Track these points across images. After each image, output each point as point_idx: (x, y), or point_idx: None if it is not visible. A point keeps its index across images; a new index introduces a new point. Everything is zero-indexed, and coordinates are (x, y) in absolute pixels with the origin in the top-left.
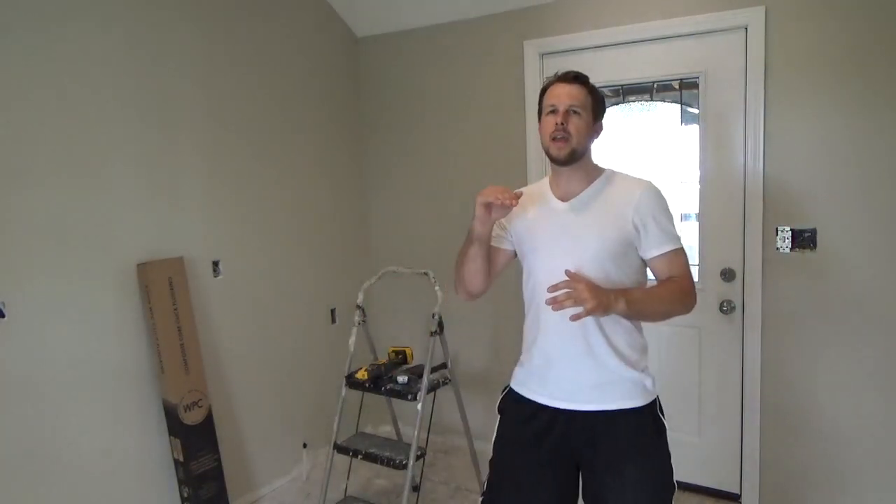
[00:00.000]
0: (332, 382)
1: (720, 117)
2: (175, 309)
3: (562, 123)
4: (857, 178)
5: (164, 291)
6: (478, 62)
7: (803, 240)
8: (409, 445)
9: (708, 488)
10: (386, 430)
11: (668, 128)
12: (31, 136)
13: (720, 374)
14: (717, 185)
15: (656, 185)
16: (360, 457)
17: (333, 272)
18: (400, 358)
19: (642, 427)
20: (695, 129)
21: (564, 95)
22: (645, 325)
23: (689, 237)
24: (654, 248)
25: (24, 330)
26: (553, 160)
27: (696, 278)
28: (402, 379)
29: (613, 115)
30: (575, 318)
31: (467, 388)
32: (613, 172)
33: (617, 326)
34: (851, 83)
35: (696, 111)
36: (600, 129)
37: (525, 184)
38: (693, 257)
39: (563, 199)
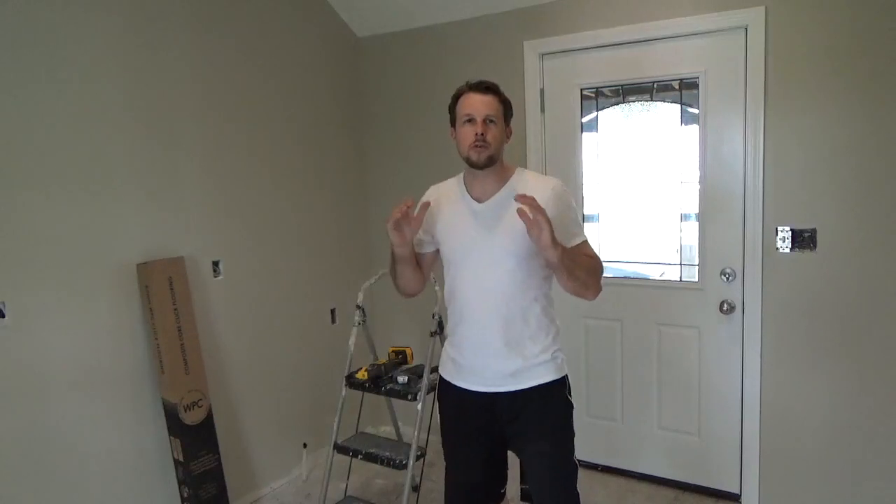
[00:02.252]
0: (332, 382)
1: (720, 117)
2: (175, 309)
3: (481, 134)
4: (857, 178)
5: (164, 291)
6: (478, 62)
7: (803, 240)
8: (409, 445)
9: (708, 488)
10: (386, 430)
11: (668, 128)
12: (31, 137)
13: (720, 374)
14: (717, 185)
15: (562, 184)
16: (360, 457)
17: (333, 272)
18: (400, 358)
19: (554, 402)
20: (695, 129)
21: (480, 105)
22: (644, 325)
23: (689, 237)
24: (567, 241)
25: (23, 330)
26: (473, 165)
27: (696, 278)
28: (402, 379)
29: (613, 115)
30: (523, 214)
31: None
32: (523, 171)
33: (531, 317)
34: (851, 83)
35: (696, 111)
36: (510, 132)
37: None
38: (693, 257)
39: (480, 199)
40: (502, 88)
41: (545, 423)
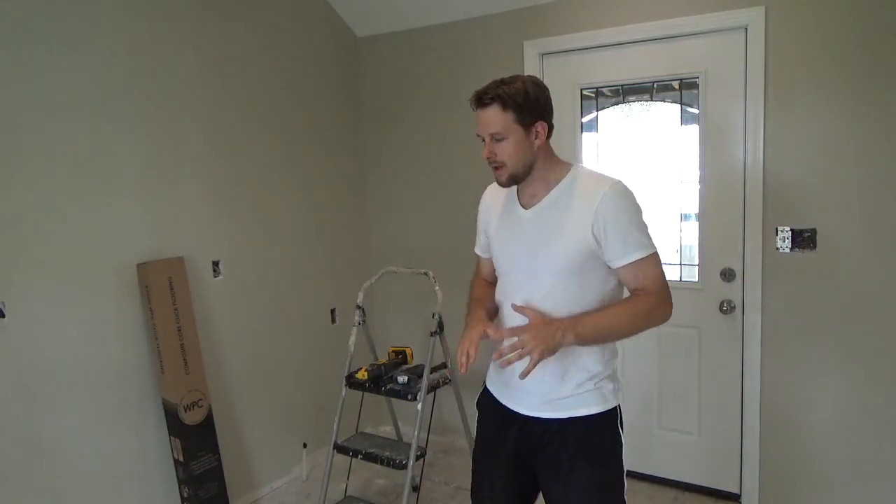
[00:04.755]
0: (332, 382)
1: (720, 117)
2: (175, 309)
3: (491, 155)
4: (857, 178)
5: (164, 291)
6: (478, 62)
7: (803, 240)
8: (409, 445)
9: (708, 488)
10: (386, 430)
11: (668, 128)
12: (31, 136)
13: (720, 374)
14: (717, 185)
15: (622, 185)
16: (360, 457)
17: (333, 272)
18: (400, 358)
19: (595, 434)
20: (695, 129)
21: (484, 123)
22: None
23: (689, 237)
24: (618, 258)
25: (24, 330)
26: (500, 185)
27: (696, 278)
28: (402, 379)
29: (613, 115)
30: (523, 375)
31: (467, 388)
32: (579, 172)
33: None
34: (851, 83)
35: (696, 111)
36: (545, 128)
37: None
38: (693, 257)
39: (526, 205)
40: (519, 77)
41: (574, 462)
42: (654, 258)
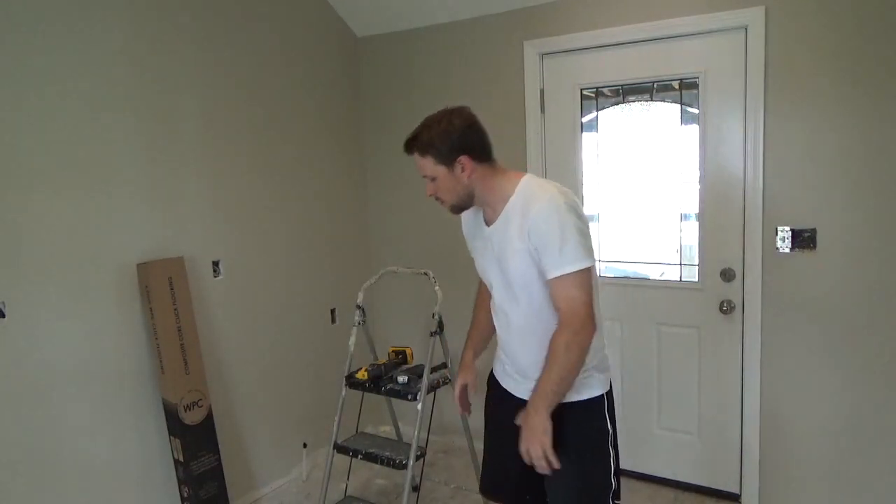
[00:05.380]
0: (332, 382)
1: (720, 117)
2: (175, 309)
3: (432, 194)
4: (857, 178)
5: (164, 291)
6: (478, 62)
7: (803, 240)
8: (409, 445)
9: (708, 488)
10: (386, 430)
11: (668, 128)
12: (31, 137)
13: (720, 374)
14: (717, 185)
15: (556, 200)
16: (360, 457)
17: (333, 272)
18: (400, 358)
19: (584, 420)
20: (695, 129)
21: (417, 167)
22: (644, 325)
23: (689, 237)
24: (547, 274)
25: (24, 330)
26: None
27: (695, 278)
28: (402, 379)
29: (613, 115)
30: (542, 471)
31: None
32: (525, 186)
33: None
34: (851, 83)
35: (696, 111)
36: (469, 160)
37: None
38: (693, 257)
39: (489, 222)
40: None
41: (560, 448)
42: (574, 277)
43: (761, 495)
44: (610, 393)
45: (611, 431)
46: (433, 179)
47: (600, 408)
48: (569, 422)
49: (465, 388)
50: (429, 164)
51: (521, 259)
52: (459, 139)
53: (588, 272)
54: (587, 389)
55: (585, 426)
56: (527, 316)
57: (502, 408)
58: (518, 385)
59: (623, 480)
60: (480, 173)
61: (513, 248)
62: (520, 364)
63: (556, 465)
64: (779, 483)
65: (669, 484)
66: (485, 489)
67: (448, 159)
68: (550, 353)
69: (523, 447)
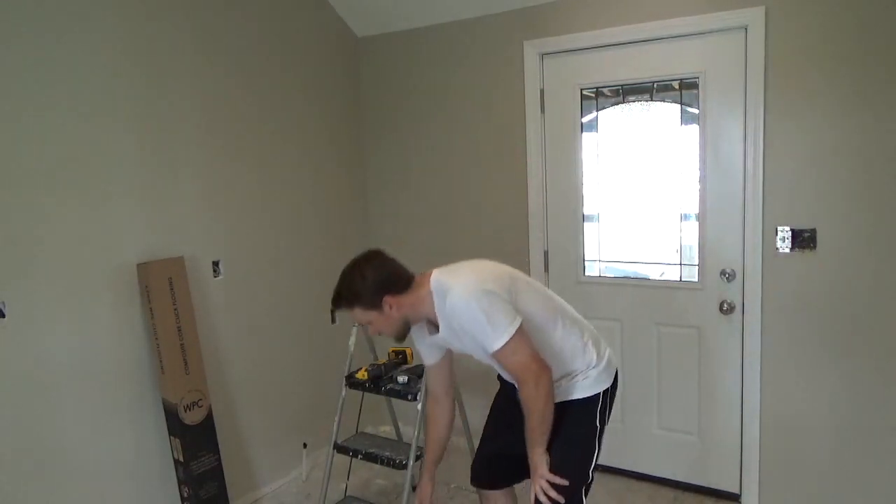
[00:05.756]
0: (332, 382)
1: (720, 117)
2: (175, 309)
3: (374, 332)
4: (856, 178)
5: (164, 291)
6: (478, 62)
7: (803, 240)
8: (409, 445)
9: (708, 488)
10: (386, 430)
11: (668, 128)
12: (32, 137)
13: (720, 373)
14: (717, 185)
15: (457, 295)
16: (360, 457)
17: (334, 272)
18: (400, 358)
19: (577, 415)
20: (695, 129)
21: (352, 317)
22: (644, 325)
23: (689, 237)
24: (487, 350)
25: (24, 330)
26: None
27: (695, 278)
28: (402, 379)
29: (613, 115)
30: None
31: (467, 388)
32: (437, 288)
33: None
34: (851, 83)
35: (696, 111)
36: (393, 298)
37: (525, 182)
38: (693, 257)
39: (432, 331)
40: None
41: (554, 441)
42: (508, 346)
43: (761, 495)
44: (608, 391)
45: (599, 428)
46: (369, 323)
47: (594, 406)
48: (564, 414)
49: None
50: (360, 314)
51: (469, 346)
52: (377, 285)
53: (518, 334)
54: (582, 390)
55: (578, 419)
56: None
57: (504, 396)
58: None
59: (623, 480)
60: (406, 301)
61: (460, 341)
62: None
63: (563, 482)
64: (779, 483)
65: (669, 484)
66: (476, 478)
67: (374, 304)
68: (524, 406)
69: (532, 490)
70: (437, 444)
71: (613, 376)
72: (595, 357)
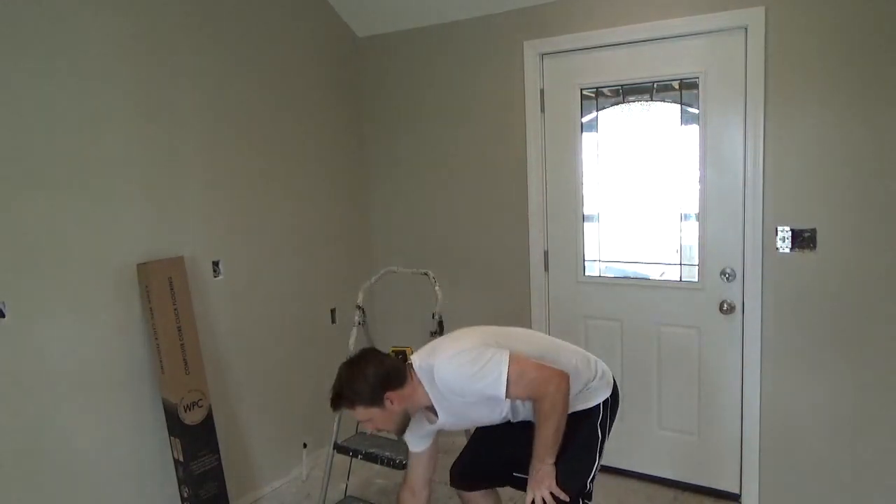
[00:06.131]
0: (331, 382)
1: (720, 117)
2: (175, 309)
3: (374, 429)
4: (856, 178)
5: (164, 291)
6: (478, 62)
7: (803, 240)
8: None
9: (708, 488)
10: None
11: (668, 128)
12: (32, 137)
13: (720, 373)
14: (717, 184)
15: (439, 370)
16: (360, 457)
17: (333, 272)
18: (400, 358)
19: (578, 425)
20: (695, 129)
21: (352, 415)
22: (644, 325)
23: (689, 237)
24: (498, 396)
25: (24, 330)
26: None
27: (696, 278)
28: None
29: (613, 115)
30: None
31: None
32: (421, 373)
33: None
34: (851, 83)
35: (696, 111)
36: (395, 393)
37: (525, 182)
38: (693, 257)
39: (435, 418)
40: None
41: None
42: (511, 380)
43: (761, 495)
44: (608, 402)
45: (600, 438)
46: (370, 420)
47: (595, 416)
48: (575, 424)
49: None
50: (361, 412)
51: (479, 406)
52: (378, 383)
53: (513, 359)
54: (585, 402)
55: (580, 430)
56: (527, 409)
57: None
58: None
59: (623, 480)
60: (405, 394)
61: (468, 409)
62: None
63: (565, 498)
64: (779, 483)
65: (669, 484)
66: (456, 479)
67: (376, 402)
68: (540, 414)
69: (530, 495)
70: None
71: (612, 386)
72: (591, 375)
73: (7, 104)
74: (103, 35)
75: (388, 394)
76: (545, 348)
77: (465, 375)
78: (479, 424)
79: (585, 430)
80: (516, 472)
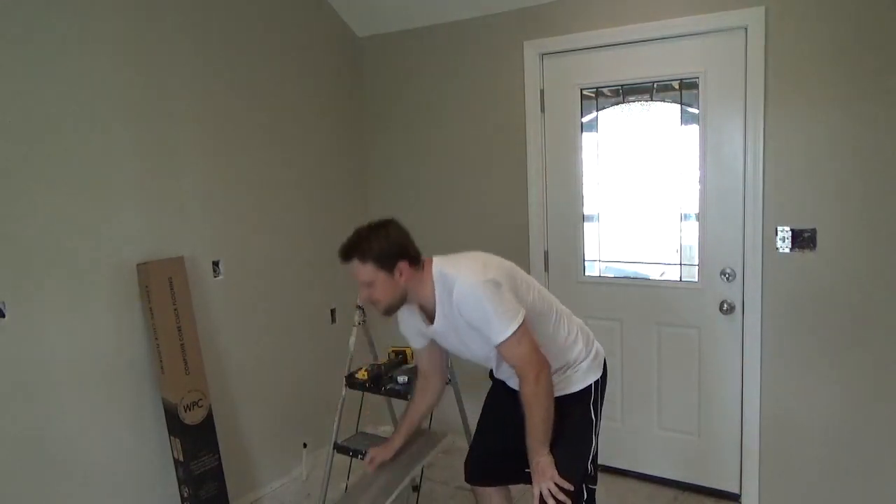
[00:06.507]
0: (332, 382)
1: (720, 117)
2: (175, 309)
3: (367, 298)
4: (856, 178)
5: (164, 291)
6: (478, 62)
7: (803, 240)
8: None
9: (708, 488)
10: (386, 430)
11: (668, 128)
12: (31, 137)
13: (720, 373)
14: (717, 185)
15: (464, 284)
16: (360, 457)
17: (333, 272)
18: (400, 358)
19: (570, 409)
20: (695, 129)
21: (352, 273)
22: (644, 325)
23: (689, 237)
24: (490, 342)
25: (24, 330)
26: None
27: (696, 278)
28: (402, 379)
29: (613, 115)
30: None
31: (467, 387)
32: (440, 276)
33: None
34: (851, 83)
35: (696, 111)
36: (406, 266)
37: (525, 182)
38: (693, 257)
39: (430, 321)
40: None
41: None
42: (512, 338)
43: (761, 495)
44: (598, 382)
45: (594, 420)
46: (370, 285)
47: (587, 398)
48: (558, 410)
49: (374, 458)
50: (368, 271)
51: (473, 334)
52: (398, 247)
53: (522, 327)
54: (575, 384)
55: (573, 413)
56: (503, 371)
57: (498, 392)
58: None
59: (623, 480)
60: (413, 276)
61: (461, 330)
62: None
63: (569, 486)
64: (779, 483)
65: (669, 484)
66: (471, 476)
67: (389, 265)
68: (525, 405)
69: (536, 489)
70: (415, 414)
71: (603, 366)
72: (584, 349)
73: (7, 104)
74: (103, 35)
75: (402, 263)
76: (555, 309)
77: (479, 307)
78: (467, 355)
79: (579, 413)
80: (528, 468)
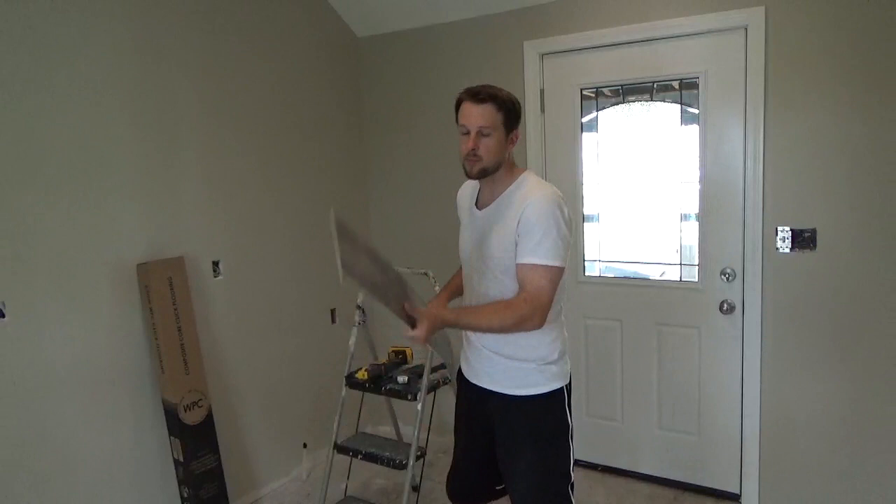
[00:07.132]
0: (332, 382)
1: (720, 117)
2: (175, 309)
3: (473, 148)
4: (856, 178)
5: (164, 291)
6: (478, 62)
7: (803, 240)
8: (409, 445)
9: (708, 488)
10: (386, 430)
11: (668, 128)
12: (32, 137)
13: (720, 373)
14: (717, 185)
15: (550, 199)
16: (360, 457)
17: (334, 272)
18: (400, 358)
19: (542, 414)
20: (695, 129)
21: (475, 116)
22: (644, 325)
23: (689, 237)
24: (519, 256)
25: (24, 330)
26: (468, 176)
27: (696, 278)
28: (402, 379)
29: (613, 115)
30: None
31: None
32: (526, 178)
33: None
34: (851, 83)
35: (696, 111)
36: (516, 137)
37: None
38: (693, 257)
39: (481, 206)
40: (504, 89)
41: (522, 440)
42: (546, 271)
43: (761, 495)
44: (569, 386)
45: (570, 424)
46: (486, 135)
47: (560, 401)
48: (530, 414)
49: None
50: (494, 119)
51: (503, 245)
52: (519, 116)
53: (559, 273)
54: (546, 383)
55: (546, 419)
56: (501, 292)
57: (469, 408)
58: (480, 364)
59: (623, 480)
60: (510, 157)
61: (499, 233)
62: (485, 338)
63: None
64: (779, 483)
65: (669, 484)
66: (453, 495)
67: (511, 125)
68: (493, 303)
69: (409, 332)
70: (459, 279)
71: (569, 376)
72: (563, 348)
73: (7, 105)
74: (103, 35)
75: (517, 132)
76: (560, 311)
77: (543, 222)
78: (468, 252)
79: (553, 420)
80: (497, 486)
